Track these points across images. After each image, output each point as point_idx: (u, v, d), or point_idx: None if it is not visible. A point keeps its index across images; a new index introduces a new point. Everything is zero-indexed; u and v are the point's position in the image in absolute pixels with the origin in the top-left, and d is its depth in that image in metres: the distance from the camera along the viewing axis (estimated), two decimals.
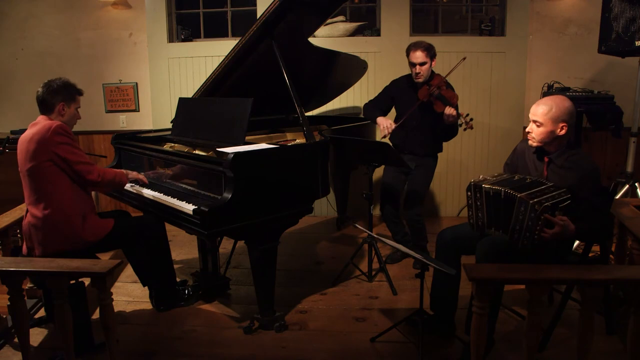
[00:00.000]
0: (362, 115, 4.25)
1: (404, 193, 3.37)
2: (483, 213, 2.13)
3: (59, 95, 2.34)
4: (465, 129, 2.94)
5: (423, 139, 3.20)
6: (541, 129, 2.12)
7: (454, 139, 4.42)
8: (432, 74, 3.13)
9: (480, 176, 2.19)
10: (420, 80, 3.10)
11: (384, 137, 3.15)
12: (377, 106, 3.34)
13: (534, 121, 2.14)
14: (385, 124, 3.14)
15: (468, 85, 4.25)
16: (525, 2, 4.18)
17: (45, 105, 2.35)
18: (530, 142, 2.19)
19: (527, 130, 2.19)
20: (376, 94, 3.42)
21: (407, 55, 3.12)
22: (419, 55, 3.05)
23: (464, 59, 3.18)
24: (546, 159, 2.19)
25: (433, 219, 4.47)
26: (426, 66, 3.07)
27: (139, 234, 2.57)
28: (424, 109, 3.10)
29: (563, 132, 2.10)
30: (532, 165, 2.25)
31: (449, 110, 2.92)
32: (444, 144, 3.34)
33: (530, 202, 1.91)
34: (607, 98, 3.76)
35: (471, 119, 2.90)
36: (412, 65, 3.10)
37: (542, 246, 1.97)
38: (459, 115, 2.93)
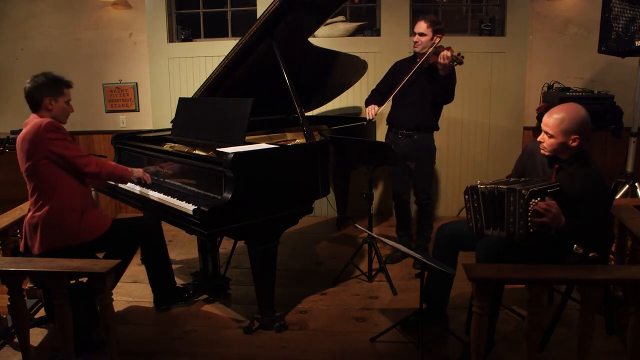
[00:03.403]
0: (363, 114, 4.24)
1: (411, 187, 3.41)
2: (481, 214, 2.14)
3: (44, 90, 2.29)
4: (455, 65, 2.94)
5: (419, 110, 3.21)
6: (552, 140, 2.10)
7: (454, 138, 4.41)
8: (432, 46, 3.13)
9: (478, 181, 2.20)
10: (418, 49, 3.15)
11: (371, 120, 3.26)
12: (379, 90, 3.38)
13: (546, 132, 2.12)
14: (368, 109, 3.22)
15: (468, 85, 4.24)
16: (525, 2, 4.18)
17: (32, 101, 2.31)
18: (542, 151, 2.18)
19: (538, 139, 2.18)
20: None
21: (415, 24, 3.19)
22: (421, 25, 3.12)
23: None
24: (557, 166, 2.18)
25: (433, 219, 4.46)
26: (425, 38, 3.11)
27: (138, 234, 2.57)
28: (422, 77, 3.12)
29: (575, 143, 2.07)
30: (541, 168, 2.24)
31: (442, 53, 2.91)
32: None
33: (517, 188, 1.95)
34: (607, 98, 3.76)
35: (462, 56, 2.91)
36: (413, 33, 3.17)
37: (539, 235, 1.98)
38: (453, 57, 2.91)
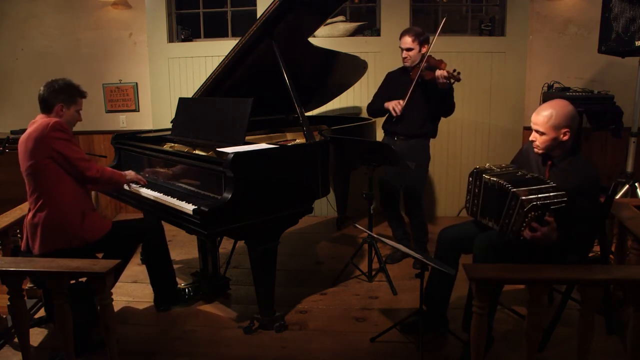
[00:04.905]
0: (368, 116, 4.27)
1: (402, 189, 3.38)
2: (479, 201, 2.19)
3: (59, 96, 2.34)
4: (453, 82, 2.94)
5: (415, 118, 3.22)
6: (544, 137, 2.12)
7: (454, 138, 4.41)
8: (422, 57, 3.16)
9: (487, 164, 2.22)
10: (408, 63, 3.19)
11: (397, 116, 3.19)
12: (377, 103, 3.38)
13: (536, 130, 2.14)
14: (392, 104, 3.19)
15: (468, 85, 4.24)
16: (525, 2, 4.18)
17: (45, 104, 2.35)
18: (535, 149, 2.20)
19: (530, 138, 2.20)
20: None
21: (400, 39, 3.20)
22: (406, 41, 3.16)
23: (445, 18, 3.19)
24: (549, 163, 2.20)
25: (433, 219, 4.47)
26: (413, 52, 3.15)
27: (139, 235, 2.57)
28: (418, 89, 3.15)
29: (566, 137, 2.10)
30: (536, 166, 2.26)
31: (439, 72, 2.94)
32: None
33: (522, 197, 1.93)
34: (607, 98, 3.76)
35: (458, 73, 2.91)
36: (401, 49, 3.19)
37: (527, 244, 1.99)
38: (450, 75, 2.92)
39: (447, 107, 3.19)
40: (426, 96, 3.16)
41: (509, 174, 2.15)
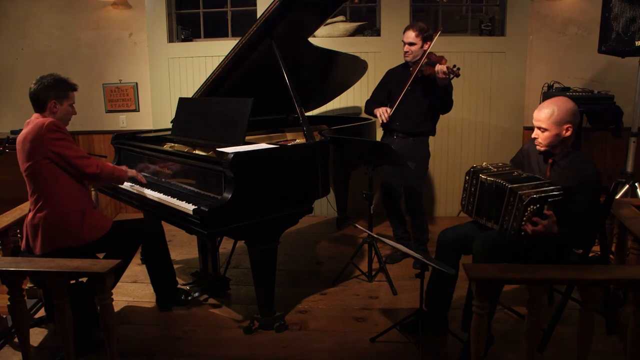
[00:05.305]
0: (363, 115, 4.27)
1: (402, 188, 3.39)
2: (474, 199, 2.21)
3: (50, 92, 2.31)
4: (452, 77, 2.95)
5: (415, 116, 3.23)
6: (546, 134, 2.13)
7: (453, 138, 4.40)
8: (424, 54, 3.16)
9: (484, 163, 2.22)
10: (409, 58, 3.19)
11: (383, 123, 3.24)
12: (375, 100, 3.41)
13: (538, 127, 2.15)
14: (380, 111, 3.23)
15: (468, 85, 4.24)
16: (525, 2, 4.18)
17: (37, 102, 2.32)
18: (538, 147, 2.20)
19: (533, 136, 2.21)
20: None
21: (403, 33, 3.21)
22: (409, 35, 3.16)
23: (440, 31, 3.18)
24: (550, 161, 2.21)
25: (433, 219, 4.47)
26: (415, 47, 3.15)
27: (138, 236, 2.57)
28: (417, 84, 3.15)
29: (568, 133, 2.11)
30: (537, 165, 2.27)
31: (439, 67, 2.94)
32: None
33: (519, 192, 1.96)
34: (607, 98, 3.76)
35: (458, 68, 2.90)
36: (403, 43, 3.19)
37: (528, 240, 2.00)
38: (450, 70, 2.92)
39: (446, 104, 3.19)
40: (425, 92, 3.16)
41: (505, 173, 2.16)
